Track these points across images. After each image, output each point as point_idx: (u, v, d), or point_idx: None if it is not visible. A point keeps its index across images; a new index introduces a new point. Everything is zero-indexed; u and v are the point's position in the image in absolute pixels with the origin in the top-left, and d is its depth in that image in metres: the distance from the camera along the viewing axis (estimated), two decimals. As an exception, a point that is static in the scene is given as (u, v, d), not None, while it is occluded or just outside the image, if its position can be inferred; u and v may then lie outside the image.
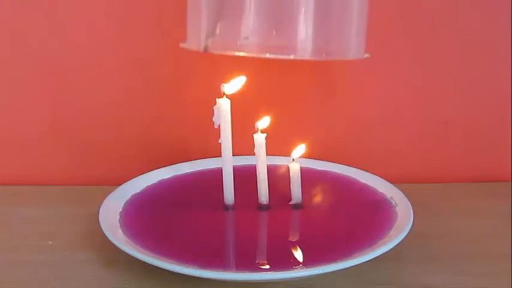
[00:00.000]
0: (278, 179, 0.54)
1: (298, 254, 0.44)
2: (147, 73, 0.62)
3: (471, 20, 0.62)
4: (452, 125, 0.64)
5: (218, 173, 0.51)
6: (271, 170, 0.52)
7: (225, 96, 0.48)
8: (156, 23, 0.60)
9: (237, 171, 0.51)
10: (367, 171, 0.56)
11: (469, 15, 0.61)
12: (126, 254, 0.43)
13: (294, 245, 0.46)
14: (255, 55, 0.42)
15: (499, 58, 0.62)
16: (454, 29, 0.62)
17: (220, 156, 0.50)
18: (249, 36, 0.42)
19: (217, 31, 0.43)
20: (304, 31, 0.43)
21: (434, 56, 0.62)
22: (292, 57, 0.42)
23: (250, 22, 0.42)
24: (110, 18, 0.61)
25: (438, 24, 0.62)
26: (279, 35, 0.42)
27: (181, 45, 0.47)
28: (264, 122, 0.50)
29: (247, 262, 0.44)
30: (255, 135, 0.50)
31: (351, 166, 0.58)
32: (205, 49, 0.43)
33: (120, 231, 0.46)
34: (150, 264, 0.41)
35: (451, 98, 0.64)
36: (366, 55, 0.48)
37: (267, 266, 0.43)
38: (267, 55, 0.42)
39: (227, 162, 0.50)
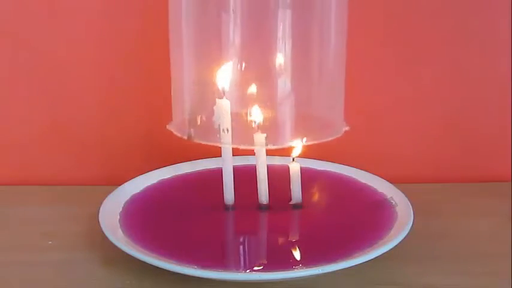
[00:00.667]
0: (278, 179, 0.53)
1: (298, 254, 0.44)
2: (147, 73, 0.62)
3: (471, 19, 0.62)
4: (453, 125, 0.64)
5: (218, 173, 0.51)
6: (271, 170, 0.52)
7: (225, 97, 0.48)
8: (156, 23, 0.60)
9: (237, 171, 0.51)
10: (367, 171, 0.56)
11: (469, 15, 0.61)
12: (126, 254, 0.43)
13: (294, 245, 0.46)
14: (234, 146, 0.44)
15: (499, 58, 0.62)
16: (454, 29, 0.62)
17: (220, 156, 0.50)
18: (228, 128, 0.45)
19: (199, 122, 0.46)
20: (282, 124, 0.46)
21: (434, 56, 0.62)
22: (270, 147, 0.45)
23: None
24: (110, 19, 0.61)
25: (439, 24, 0.62)
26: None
27: (168, 127, 0.49)
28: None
29: (247, 262, 0.44)
30: (255, 135, 0.50)
31: (351, 166, 0.58)
32: (189, 137, 0.46)
33: (120, 231, 0.46)
34: (150, 264, 0.41)
35: (451, 98, 0.64)
36: (345, 129, 0.50)
37: (267, 266, 0.43)
38: (246, 147, 0.45)
39: (227, 162, 0.50)
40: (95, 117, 0.64)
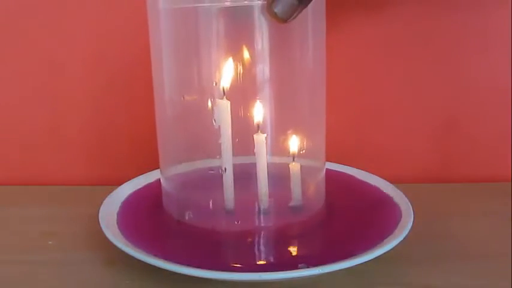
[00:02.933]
0: (278, 179, 0.53)
1: (298, 254, 0.44)
2: (147, 72, 0.62)
3: (471, 19, 0.62)
4: (453, 125, 0.64)
5: (218, 173, 0.51)
6: (271, 170, 0.52)
7: (225, 97, 0.48)
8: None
9: (237, 171, 0.51)
10: (367, 171, 0.56)
11: (469, 14, 0.61)
12: (126, 254, 0.43)
13: (294, 245, 0.46)
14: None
15: (499, 58, 0.62)
16: (454, 28, 0.62)
17: (220, 156, 0.50)
18: (214, 225, 0.48)
19: (187, 218, 0.49)
20: (262, 218, 0.49)
21: (434, 56, 0.63)
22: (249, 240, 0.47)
23: (213, 212, 0.49)
24: (110, 18, 0.61)
25: (438, 23, 0.62)
26: (241, 224, 0.48)
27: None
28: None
29: (247, 262, 0.44)
30: (255, 135, 0.50)
31: (351, 166, 0.58)
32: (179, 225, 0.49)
33: (119, 231, 0.46)
34: (150, 264, 0.41)
35: (451, 98, 0.64)
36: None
37: (267, 266, 0.43)
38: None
39: (227, 163, 0.50)
40: (94, 117, 0.64)
